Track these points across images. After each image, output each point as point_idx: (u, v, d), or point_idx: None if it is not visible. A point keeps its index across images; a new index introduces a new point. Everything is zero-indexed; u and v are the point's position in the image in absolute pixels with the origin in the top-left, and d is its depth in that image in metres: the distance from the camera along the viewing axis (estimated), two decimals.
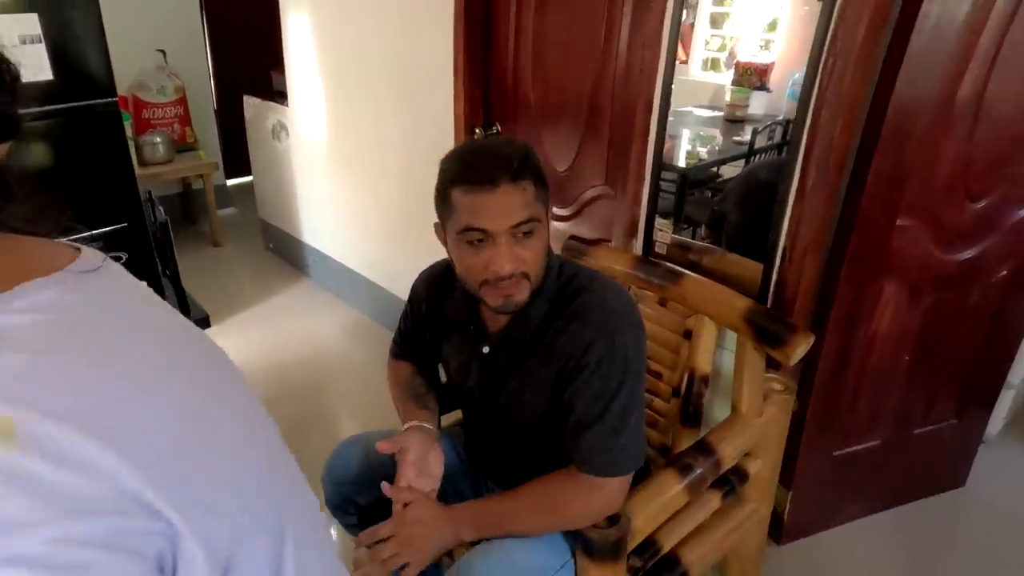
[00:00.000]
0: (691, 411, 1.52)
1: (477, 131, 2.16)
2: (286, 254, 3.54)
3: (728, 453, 1.36)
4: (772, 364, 1.54)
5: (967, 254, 1.56)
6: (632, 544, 1.17)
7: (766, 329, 1.37)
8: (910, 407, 1.75)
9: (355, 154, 2.78)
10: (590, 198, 1.94)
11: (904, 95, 1.31)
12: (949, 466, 1.92)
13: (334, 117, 2.82)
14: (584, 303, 1.06)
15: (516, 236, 0.95)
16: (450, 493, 1.23)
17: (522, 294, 1.01)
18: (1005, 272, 1.62)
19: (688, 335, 1.52)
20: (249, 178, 3.71)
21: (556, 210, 2.02)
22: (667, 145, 1.68)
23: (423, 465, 1.10)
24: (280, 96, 3.12)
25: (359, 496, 1.24)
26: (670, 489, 1.23)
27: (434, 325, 1.23)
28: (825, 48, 1.28)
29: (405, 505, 1.07)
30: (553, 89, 1.95)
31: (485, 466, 1.32)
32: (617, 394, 1.03)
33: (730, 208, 1.79)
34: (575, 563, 1.13)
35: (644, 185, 1.70)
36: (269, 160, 3.37)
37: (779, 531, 1.78)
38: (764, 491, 1.56)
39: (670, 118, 1.63)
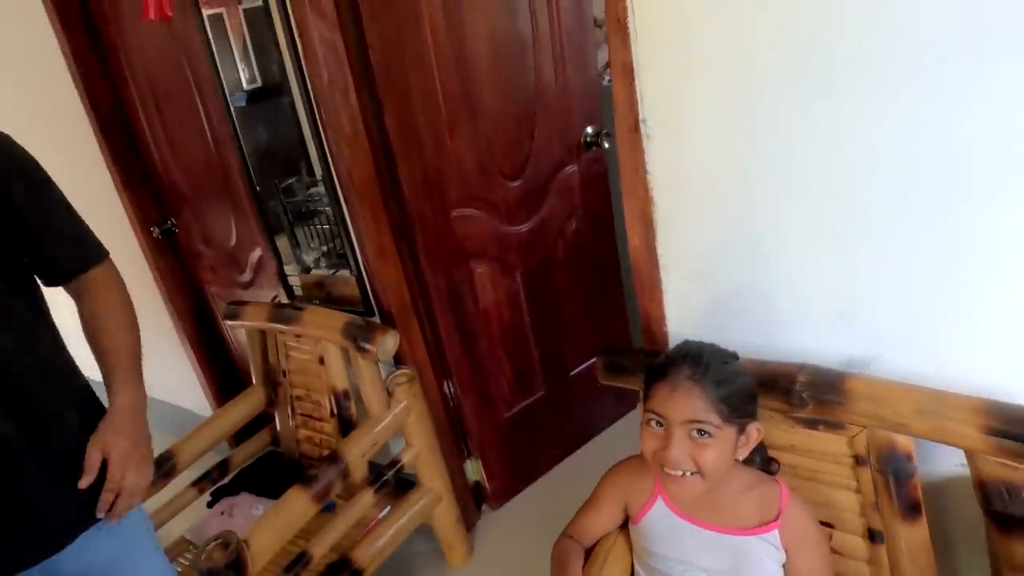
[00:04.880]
0: (345, 425, 1.71)
1: (154, 229, 2.25)
2: None
3: (355, 454, 1.55)
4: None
5: (532, 223, 1.85)
6: (261, 561, 1.33)
7: (355, 338, 1.58)
8: (554, 355, 2.02)
9: None
10: (256, 260, 2.09)
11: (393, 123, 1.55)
12: (616, 393, 2.20)
13: None
14: None
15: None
16: None
17: None
18: (575, 225, 1.92)
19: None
20: None
21: (238, 276, 2.14)
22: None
23: None
24: None
25: None
26: (294, 504, 1.39)
27: None
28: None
29: None
30: (192, 173, 2.08)
31: None
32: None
33: None
34: None
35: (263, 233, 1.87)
36: None
37: (487, 498, 1.99)
38: (431, 471, 1.75)
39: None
